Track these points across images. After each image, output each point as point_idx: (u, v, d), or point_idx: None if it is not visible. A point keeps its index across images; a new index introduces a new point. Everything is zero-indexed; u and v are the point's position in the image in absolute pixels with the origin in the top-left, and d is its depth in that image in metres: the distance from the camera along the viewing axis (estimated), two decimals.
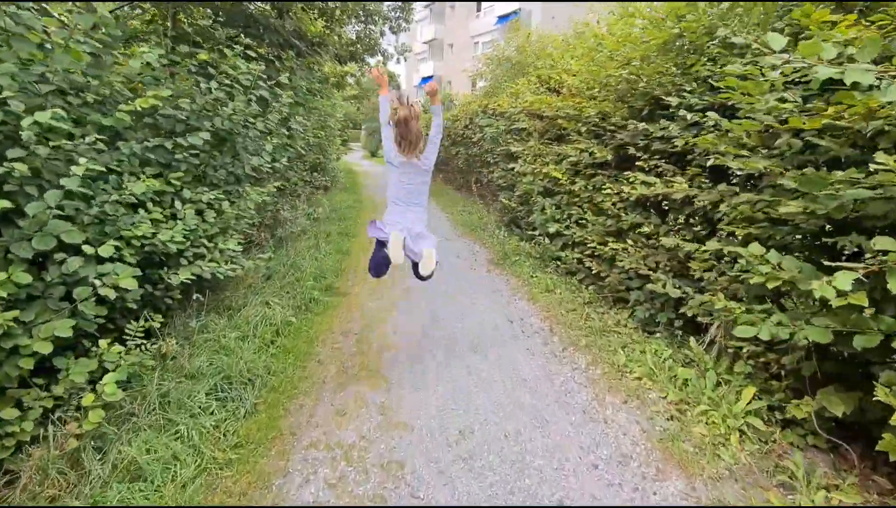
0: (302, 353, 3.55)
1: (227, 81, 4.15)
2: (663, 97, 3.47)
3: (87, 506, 1.98)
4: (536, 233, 5.75)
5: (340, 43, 11.03)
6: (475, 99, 13.29)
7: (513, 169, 6.68)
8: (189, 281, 2.94)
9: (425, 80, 33.12)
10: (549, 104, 5.50)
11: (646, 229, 3.77)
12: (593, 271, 4.41)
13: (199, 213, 3.45)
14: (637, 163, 3.82)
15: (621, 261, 3.95)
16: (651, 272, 3.58)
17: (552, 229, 5.15)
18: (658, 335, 3.61)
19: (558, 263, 5.26)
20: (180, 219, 3.10)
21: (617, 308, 4.20)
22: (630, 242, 3.92)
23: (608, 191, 4.20)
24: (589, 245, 4.48)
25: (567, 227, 5.06)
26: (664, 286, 3.33)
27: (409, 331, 4.00)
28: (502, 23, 24.22)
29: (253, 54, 4.79)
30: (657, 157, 3.69)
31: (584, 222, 4.69)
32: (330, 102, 14.52)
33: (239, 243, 3.89)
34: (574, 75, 5.65)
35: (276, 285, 4.50)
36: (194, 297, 3.56)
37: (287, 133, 6.46)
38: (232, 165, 4.31)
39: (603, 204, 4.27)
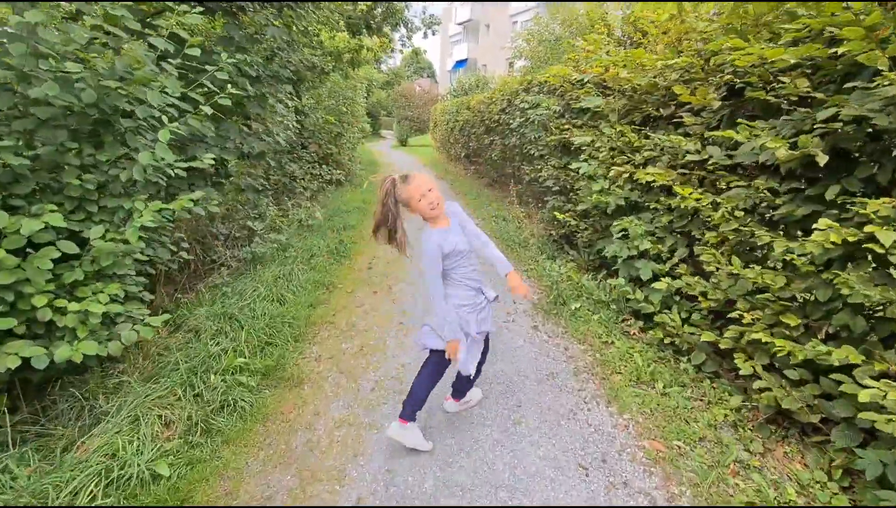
0: None
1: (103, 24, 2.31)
2: None
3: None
4: (608, 263, 3.69)
5: (353, 8, 9.10)
6: (515, 77, 11.07)
7: (569, 167, 4.60)
8: None
9: (459, 63, 30.80)
10: (643, 64, 3.38)
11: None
12: (739, 371, 2.34)
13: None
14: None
15: (823, 359, 1.90)
16: None
17: (645, 271, 3.09)
18: None
19: (648, 327, 3.22)
20: None
21: (810, 446, 2.15)
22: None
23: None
24: (729, 315, 2.42)
25: (673, 271, 3.01)
26: None
27: None
28: None
29: None
30: None
31: (712, 266, 2.62)
32: (348, 81, 12.69)
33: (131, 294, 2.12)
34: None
35: (162, 383, 2.60)
36: None
37: (256, 114, 4.63)
38: (109, 167, 2.48)
39: (771, 244, 2.19)
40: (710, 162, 2.75)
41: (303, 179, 8.51)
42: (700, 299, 2.64)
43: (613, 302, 3.68)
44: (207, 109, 2.79)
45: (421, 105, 22.66)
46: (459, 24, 32.45)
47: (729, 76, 2.66)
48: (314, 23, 7.98)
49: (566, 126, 4.79)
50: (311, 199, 8.50)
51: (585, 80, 3.51)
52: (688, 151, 2.84)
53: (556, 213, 4.75)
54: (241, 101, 4.59)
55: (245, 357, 2.78)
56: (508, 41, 16.78)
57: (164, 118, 2.49)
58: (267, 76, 4.90)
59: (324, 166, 9.35)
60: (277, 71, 5.09)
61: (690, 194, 2.72)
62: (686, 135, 3.01)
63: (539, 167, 6.45)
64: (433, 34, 11.53)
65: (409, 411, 2.17)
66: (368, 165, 14.13)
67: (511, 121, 7.51)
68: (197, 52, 2.67)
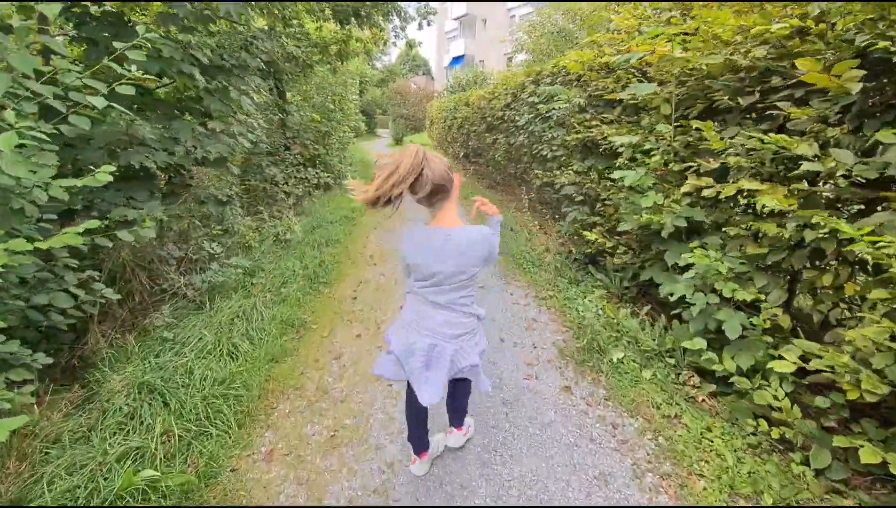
0: None
1: None
2: None
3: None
4: (650, 291, 2.80)
5: None
6: (520, 68, 10.14)
7: (607, 176, 3.72)
8: None
9: (456, 60, 29.80)
10: (718, 36, 2.46)
11: None
12: None
13: None
14: None
15: None
16: None
17: (733, 328, 2.18)
18: None
19: (724, 393, 2.33)
20: None
21: None
22: None
23: None
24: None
25: (769, 326, 2.11)
26: None
27: None
28: None
29: None
30: None
31: (874, 337, 1.73)
32: (337, 77, 11.74)
33: None
34: None
35: None
36: None
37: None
38: None
39: None
40: (835, 173, 1.84)
41: (286, 183, 7.60)
42: (845, 387, 1.72)
43: (668, 353, 2.79)
44: (99, 102, 1.86)
45: (416, 103, 21.69)
46: (456, 19, 31.42)
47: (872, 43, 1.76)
48: (296, 11, 7.05)
49: (592, 122, 3.88)
50: (295, 206, 7.58)
51: (631, 59, 2.60)
52: (801, 158, 1.93)
53: (583, 232, 3.84)
54: (198, 94, 3.70)
55: (156, 468, 1.86)
56: (507, 34, 15.82)
57: (10, 114, 1.57)
58: (232, 66, 4.00)
59: (310, 169, 8.42)
60: (244, 60, 4.18)
61: (822, 220, 1.80)
62: (791, 134, 2.10)
63: (553, 171, 5.55)
64: (428, 24, 10.58)
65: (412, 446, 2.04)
66: (361, 165, 13.19)
67: (517, 117, 6.59)
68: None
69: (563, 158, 5.01)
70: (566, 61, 4.39)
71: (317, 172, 8.64)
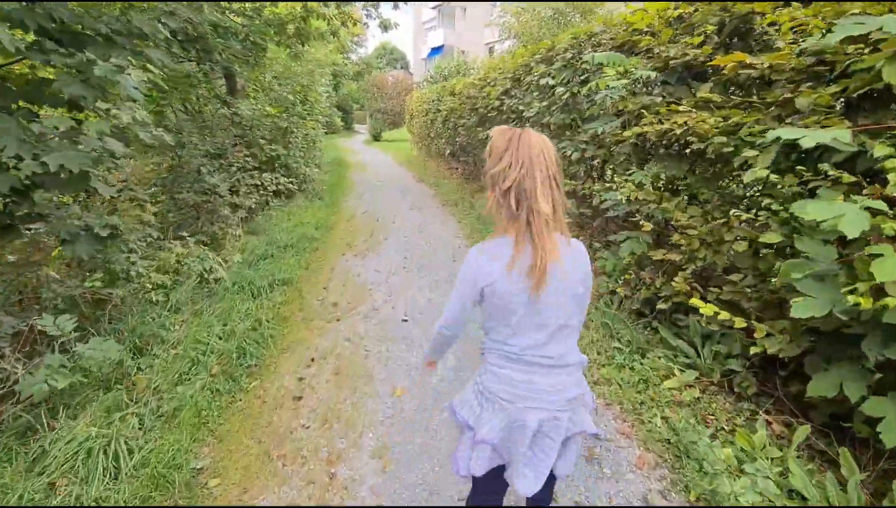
0: None
1: None
2: None
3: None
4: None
5: None
6: (523, 46, 8.69)
7: (783, 209, 2.30)
8: None
9: (435, 51, 28.09)
10: None
11: None
12: None
13: None
14: None
15: None
16: None
17: None
18: None
19: None
20: None
21: None
22: None
23: None
24: None
25: None
26: None
27: None
28: None
29: None
30: None
31: None
32: (303, 66, 10.05)
33: None
34: None
35: None
36: None
37: None
38: None
39: None
40: None
41: (233, 193, 6.00)
42: None
43: None
44: None
45: (395, 96, 20.01)
46: (434, 7, 29.62)
47: None
48: None
49: (680, 108, 2.44)
50: (246, 221, 5.99)
51: None
52: None
53: (643, 273, 2.42)
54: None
55: None
56: (493, 18, 14.28)
57: None
58: (110, 33, 2.50)
59: (266, 174, 6.81)
60: (130, 26, 2.68)
61: None
62: None
63: (581, 177, 4.13)
64: (405, 2, 9.02)
65: None
66: (334, 166, 11.55)
67: (522, 107, 5.12)
68: None
69: (599, 161, 3.58)
70: (624, 17, 2.92)
71: (275, 177, 7.04)
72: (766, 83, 2.21)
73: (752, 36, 2.41)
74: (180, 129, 5.74)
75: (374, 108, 20.25)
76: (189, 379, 2.44)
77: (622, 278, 3.04)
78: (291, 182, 7.47)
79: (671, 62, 2.62)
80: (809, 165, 1.89)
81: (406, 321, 3.27)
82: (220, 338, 2.85)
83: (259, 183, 6.70)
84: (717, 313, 1.90)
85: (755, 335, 1.85)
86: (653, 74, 2.43)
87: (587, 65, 3.82)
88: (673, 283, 2.47)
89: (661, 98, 2.60)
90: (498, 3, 17.14)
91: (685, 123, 2.32)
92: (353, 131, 28.79)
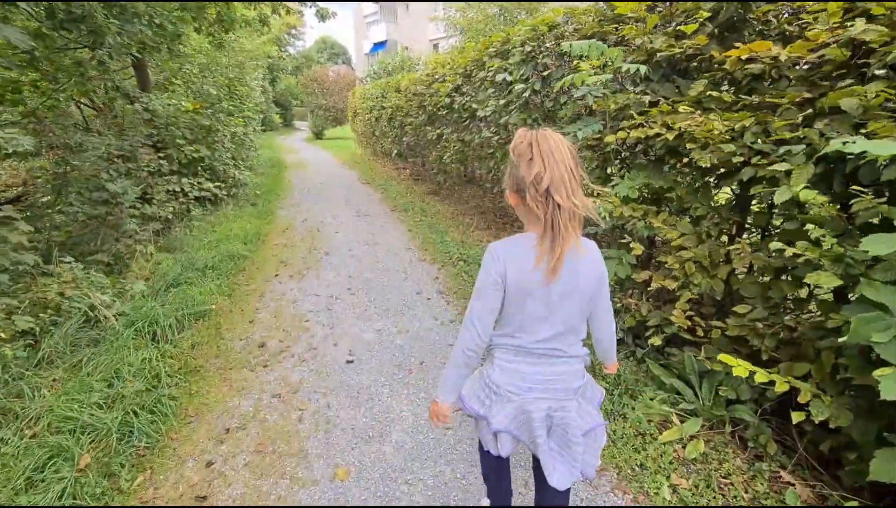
0: None
1: None
2: None
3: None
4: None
5: None
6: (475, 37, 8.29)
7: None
8: None
9: (377, 46, 27.14)
10: None
11: None
12: None
13: None
14: None
15: None
16: None
17: None
18: None
19: None
20: None
21: None
22: None
23: None
24: None
25: None
26: None
27: None
28: None
29: None
30: None
31: None
32: (229, 56, 9.07)
33: None
34: None
35: None
36: None
37: None
38: None
39: None
40: None
41: (142, 203, 5.10)
42: None
43: None
44: None
45: (337, 91, 18.96)
46: (376, 0, 28.58)
47: None
48: None
49: (679, 109, 2.04)
50: (161, 234, 5.11)
51: None
52: None
53: (630, 300, 2.04)
54: None
55: None
56: (438, 11, 13.75)
57: None
58: None
59: (185, 180, 5.89)
60: None
61: None
62: None
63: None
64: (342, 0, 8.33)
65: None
66: (271, 167, 10.55)
67: (476, 105, 4.65)
68: None
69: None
70: (582, 7, 2.50)
71: (197, 182, 6.13)
72: (772, 80, 1.86)
73: (749, 27, 2.06)
74: (66, 127, 4.75)
75: (315, 104, 19.10)
76: (43, 481, 1.74)
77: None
78: (218, 187, 6.56)
79: (657, 55, 2.23)
80: (839, 183, 1.55)
81: (351, 361, 2.69)
82: (101, 407, 2.13)
83: (179, 189, 5.79)
84: (752, 373, 1.50)
85: (799, 399, 1.47)
86: (642, 69, 2.02)
87: (548, 59, 3.41)
88: (671, 317, 2.09)
89: (644, 96, 2.21)
90: (440, 1, 16.61)
91: (681, 127, 1.93)
92: (294, 128, 27.21)
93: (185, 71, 7.23)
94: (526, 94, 3.52)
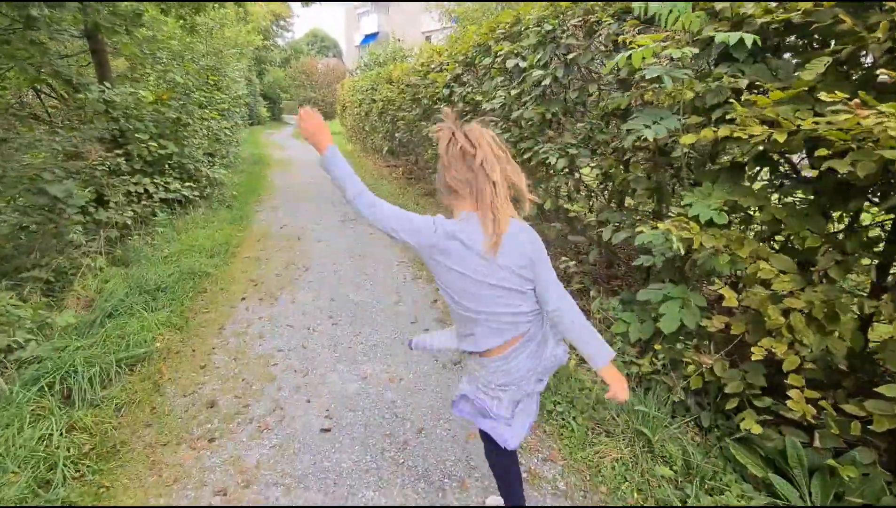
0: None
1: None
2: None
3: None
4: None
5: None
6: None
7: None
8: None
9: (369, 38, 26.24)
10: None
11: None
12: None
13: None
14: None
15: None
16: None
17: None
18: None
19: None
20: None
21: None
22: None
23: None
24: None
25: None
26: None
27: None
28: None
29: None
30: None
31: None
32: (206, 43, 8.31)
33: None
34: None
35: None
36: None
37: None
38: None
39: None
40: None
41: (104, 205, 4.43)
42: None
43: None
44: None
45: (326, 84, 18.14)
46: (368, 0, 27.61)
47: None
48: None
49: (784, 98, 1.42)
50: (118, 243, 4.41)
51: None
52: None
53: (693, 357, 1.40)
54: None
55: None
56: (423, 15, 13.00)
57: None
58: None
59: (148, 180, 5.18)
60: None
61: None
62: None
63: (571, 194, 3.15)
64: None
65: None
66: (253, 164, 9.78)
67: (480, 96, 4.01)
68: None
69: (600, 175, 2.56)
70: None
71: (164, 182, 5.41)
72: None
73: None
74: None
75: (303, 97, 18.25)
76: None
77: (654, 354, 2.02)
78: (189, 187, 5.84)
79: (745, 24, 1.59)
80: None
81: (328, 430, 2.05)
82: None
83: (143, 190, 5.07)
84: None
85: None
86: (748, 39, 1.38)
87: (573, 39, 2.77)
88: (788, 402, 1.47)
89: (740, 80, 1.57)
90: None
91: (800, 124, 1.30)
92: (282, 123, 26.22)
93: (158, 58, 6.47)
94: (546, 81, 2.87)
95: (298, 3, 6.91)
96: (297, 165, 10.35)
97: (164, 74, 5.97)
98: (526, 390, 1.23)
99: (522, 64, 3.17)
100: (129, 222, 4.59)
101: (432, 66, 5.60)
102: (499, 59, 3.55)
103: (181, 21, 6.30)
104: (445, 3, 11.81)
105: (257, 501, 1.67)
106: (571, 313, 1.15)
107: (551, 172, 2.91)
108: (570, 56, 2.79)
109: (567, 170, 2.84)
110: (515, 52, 3.34)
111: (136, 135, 5.01)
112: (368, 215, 1.13)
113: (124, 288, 3.29)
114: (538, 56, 3.01)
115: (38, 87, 5.16)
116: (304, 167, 10.00)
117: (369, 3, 26.78)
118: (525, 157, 3.11)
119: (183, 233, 4.77)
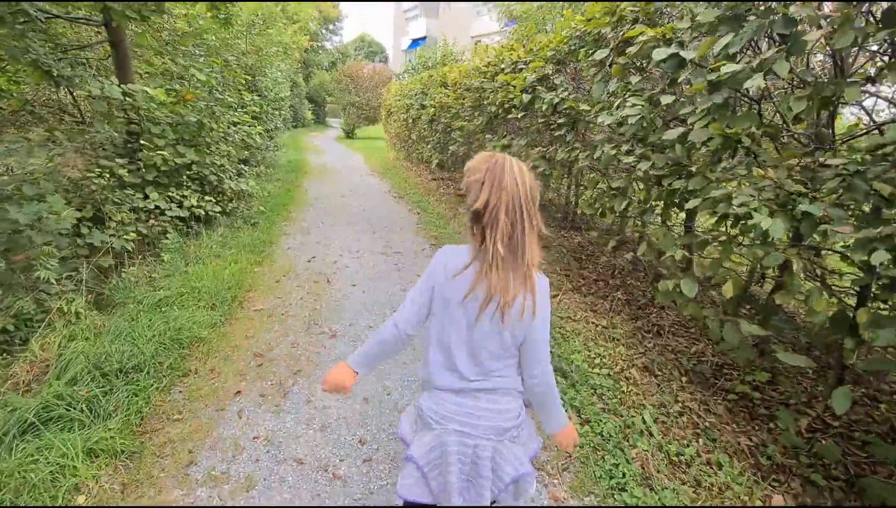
0: None
1: None
2: None
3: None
4: None
5: None
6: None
7: None
8: None
9: (417, 42, 25.45)
10: None
11: None
12: None
13: None
14: None
15: None
16: None
17: None
18: None
19: None
20: None
21: None
22: None
23: None
24: None
25: None
26: None
27: None
28: None
29: None
30: None
31: None
32: (246, 41, 7.50)
33: None
34: None
35: None
36: None
37: None
38: None
39: None
40: None
41: (100, 225, 3.55)
42: None
43: None
44: None
45: (371, 88, 17.37)
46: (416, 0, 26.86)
47: None
48: None
49: None
50: (108, 276, 3.51)
51: None
52: None
53: None
54: None
55: None
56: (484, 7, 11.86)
57: None
58: None
59: (160, 193, 4.28)
60: None
61: None
62: None
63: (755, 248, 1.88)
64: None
65: None
66: (290, 172, 8.92)
67: (586, 106, 2.80)
68: None
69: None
70: None
71: (180, 196, 4.50)
72: None
73: None
74: None
75: (348, 101, 17.56)
76: None
77: None
78: (209, 201, 4.91)
79: None
80: None
81: None
82: None
83: (154, 206, 4.18)
84: None
85: None
86: None
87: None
88: None
89: None
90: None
91: None
92: (326, 125, 25.82)
93: (189, 52, 5.64)
94: (752, 82, 1.63)
95: (346, 2, 5.79)
96: (335, 172, 9.42)
97: (186, 70, 5.08)
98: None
99: (688, 54, 1.95)
100: (129, 246, 3.67)
101: (503, 65, 4.44)
102: (631, 51, 2.33)
103: (214, 11, 5.43)
104: (503, 1, 10.65)
105: None
106: None
107: (753, 235, 1.67)
108: (806, 38, 1.55)
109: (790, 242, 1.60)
110: (666, 35, 2.12)
111: (154, 141, 4.14)
112: (413, 331, 1.08)
113: (81, 363, 2.30)
114: (724, 42, 1.78)
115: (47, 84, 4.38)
116: (342, 176, 9.06)
117: (419, 2, 26.00)
118: (686, 202, 1.88)
119: (192, 263, 3.81)
